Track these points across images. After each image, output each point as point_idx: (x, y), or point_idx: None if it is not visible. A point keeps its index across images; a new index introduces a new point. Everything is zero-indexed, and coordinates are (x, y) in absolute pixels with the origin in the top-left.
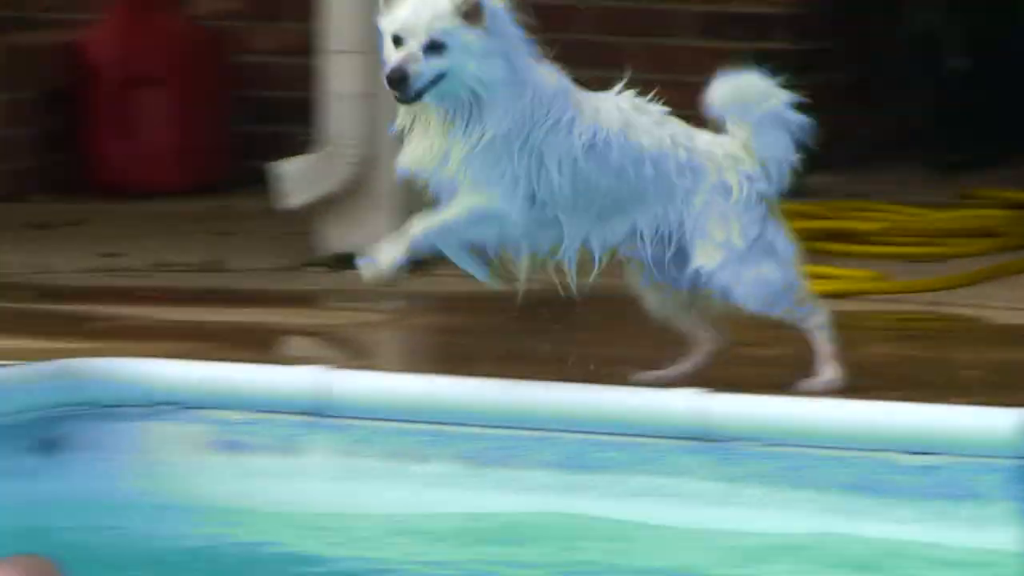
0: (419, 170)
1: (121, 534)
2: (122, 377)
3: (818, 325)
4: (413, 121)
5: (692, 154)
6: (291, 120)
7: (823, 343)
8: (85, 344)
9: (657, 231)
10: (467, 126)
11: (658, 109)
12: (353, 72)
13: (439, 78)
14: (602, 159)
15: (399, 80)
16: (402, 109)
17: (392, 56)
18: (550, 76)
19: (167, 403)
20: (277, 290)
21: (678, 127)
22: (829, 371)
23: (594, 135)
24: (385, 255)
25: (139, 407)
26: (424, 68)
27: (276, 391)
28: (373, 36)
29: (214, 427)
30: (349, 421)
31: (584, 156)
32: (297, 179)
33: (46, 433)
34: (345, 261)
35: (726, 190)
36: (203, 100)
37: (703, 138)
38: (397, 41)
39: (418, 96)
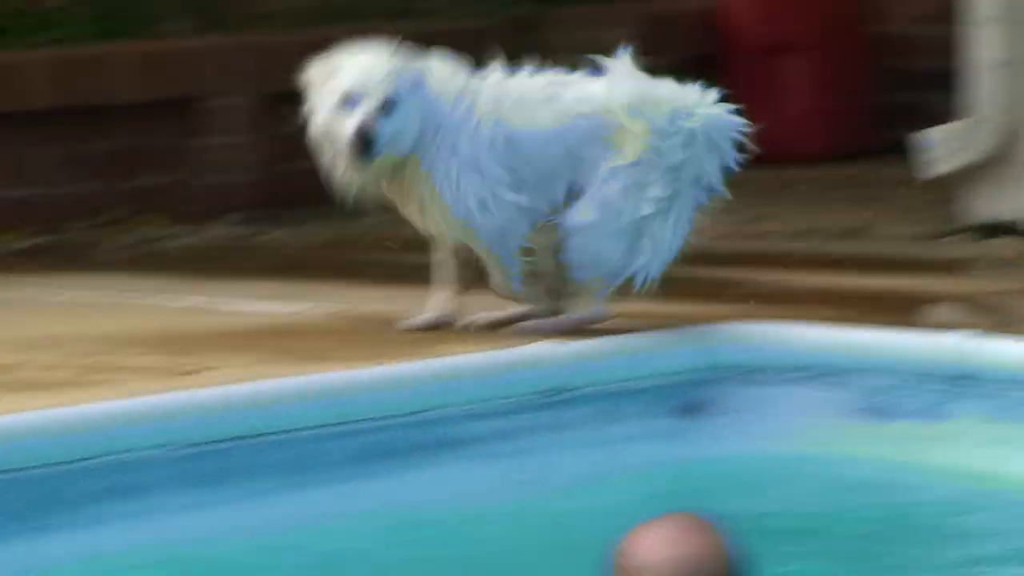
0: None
1: (763, 497)
2: (766, 342)
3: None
4: (372, 188)
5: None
6: (930, 89)
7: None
8: (728, 309)
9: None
10: (419, 179)
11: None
12: (998, 41)
13: (391, 138)
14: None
15: (366, 140)
16: (358, 179)
17: (340, 117)
18: (457, 106)
19: (811, 368)
20: (918, 257)
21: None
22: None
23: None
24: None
25: (783, 372)
26: (383, 128)
27: (922, 357)
28: (1018, 4)
29: (857, 392)
30: (996, 387)
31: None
32: (942, 148)
33: (689, 397)
34: (989, 230)
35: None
36: (843, 68)
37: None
38: (346, 101)
39: (376, 157)
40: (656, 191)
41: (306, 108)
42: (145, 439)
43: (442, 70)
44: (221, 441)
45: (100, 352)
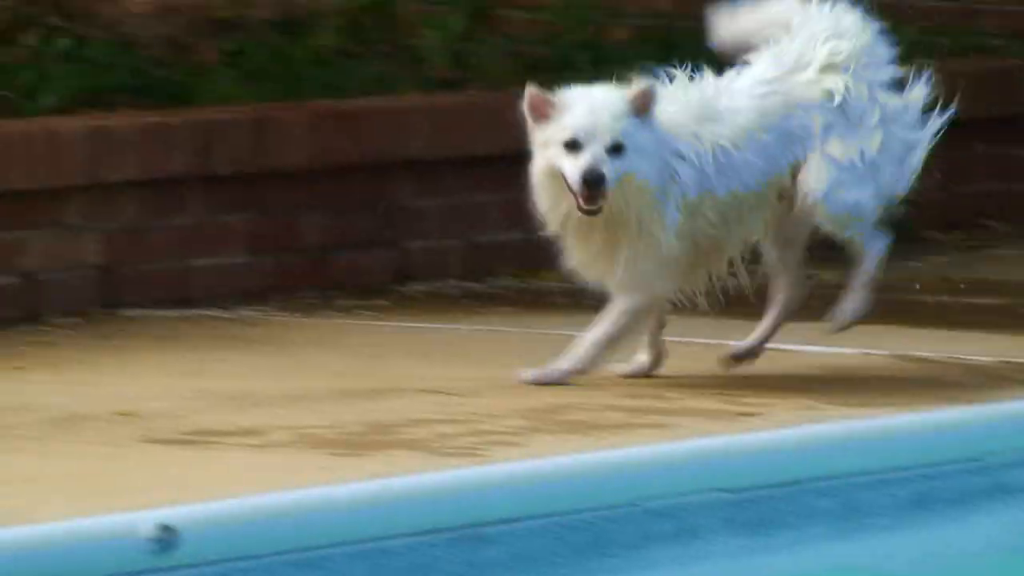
0: (588, 275)
1: None
2: None
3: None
4: (566, 225)
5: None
6: None
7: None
8: None
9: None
10: (631, 226)
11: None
12: None
13: (619, 181)
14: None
15: (598, 182)
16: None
17: (570, 161)
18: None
19: None
20: None
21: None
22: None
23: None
24: (553, 373)
25: None
26: (611, 171)
27: None
28: None
29: None
30: None
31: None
32: None
33: None
34: None
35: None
36: None
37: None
38: (572, 146)
39: (603, 199)
40: (871, 122)
41: (530, 142)
42: (695, 482)
43: (671, 105)
44: (769, 486)
45: (652, 393)
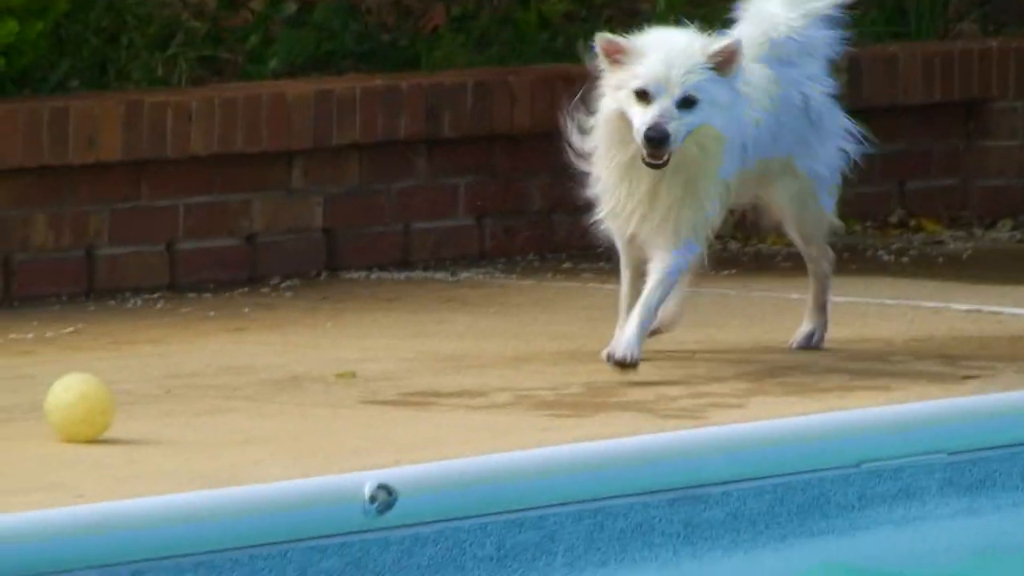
0: (622, 224)
1: None
2: None
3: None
4: (626, 171)
5: None
6: None
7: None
8: None
9: None
10: (688, 178)
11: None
12: None
13: (685, 136)
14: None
15: (661, 140)
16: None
17: (638, 112)
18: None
19: None
20: None
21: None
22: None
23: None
24: (624, 346)
25: None
26: (680, 126)
27: None
28: None
29: None
30: None
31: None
32: None
33: None
34: None
35: None
36: None
37: None
38: (642, 96)
39: (667, 156)
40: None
41: (601, 84)
42: (916, 445)
43: (750, 69)
44: (990, 448)
45: (875, 355)
